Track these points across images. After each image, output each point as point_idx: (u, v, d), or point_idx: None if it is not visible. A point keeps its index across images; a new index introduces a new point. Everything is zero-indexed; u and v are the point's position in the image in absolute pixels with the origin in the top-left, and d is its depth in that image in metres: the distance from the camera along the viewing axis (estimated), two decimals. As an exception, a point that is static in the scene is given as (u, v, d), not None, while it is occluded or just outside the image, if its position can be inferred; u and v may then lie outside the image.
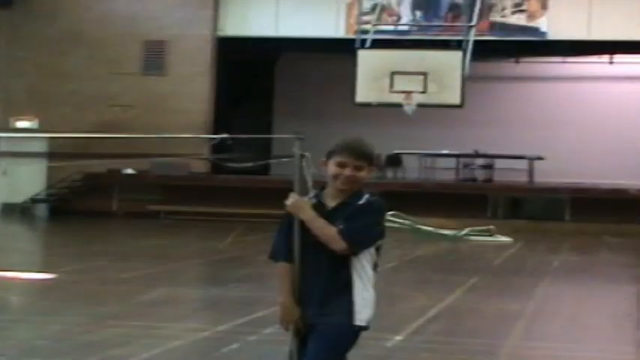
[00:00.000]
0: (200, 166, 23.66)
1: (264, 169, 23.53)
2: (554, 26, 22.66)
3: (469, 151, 24.21)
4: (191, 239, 19.76)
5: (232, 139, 15.09)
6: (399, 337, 8.10)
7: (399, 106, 19.64)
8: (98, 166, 22.78)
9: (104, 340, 8.12)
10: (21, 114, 24.34)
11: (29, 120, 24.35)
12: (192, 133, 21.94)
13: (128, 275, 12.56)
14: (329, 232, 4.03)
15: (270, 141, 24.33)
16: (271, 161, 21.43)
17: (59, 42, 24.49)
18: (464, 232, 18.68)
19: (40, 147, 24.15)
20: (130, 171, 24.13)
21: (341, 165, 4.06)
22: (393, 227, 15.88)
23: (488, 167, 24.62)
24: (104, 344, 7.95)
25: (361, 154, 4.16)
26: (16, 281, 12.06)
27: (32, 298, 11.26)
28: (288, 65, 26.84)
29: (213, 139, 19.80)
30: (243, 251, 16.62)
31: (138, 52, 24.41)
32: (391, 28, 23.38)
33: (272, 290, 4.98)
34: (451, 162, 24.54)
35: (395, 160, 24.43)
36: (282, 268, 4.15)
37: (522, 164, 23.11)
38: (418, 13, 23.43)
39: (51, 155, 23.69)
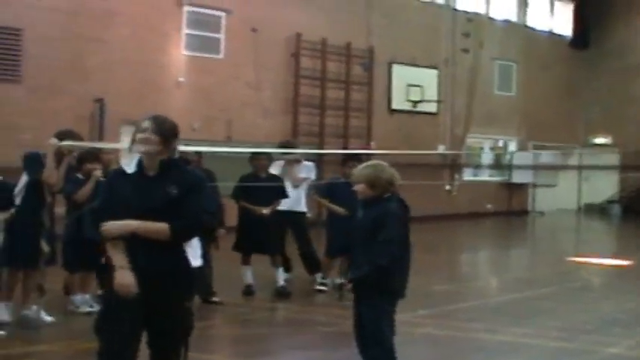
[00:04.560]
0: None
1: None
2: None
3: None
4: None
5: None
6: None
7: None
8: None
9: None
10: (598, 132, 26.90)
11: (604, 137, 26.82)
12: None
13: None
14: None
15: None
16: None
17: (626, 73, 26.38)
18: None
19: (614, 160, 26.34)
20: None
21: None
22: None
23: None
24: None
25: None
26: (599, 266, 12.85)
27: (612, 279, 11.82)
28: None
29: None
30: None
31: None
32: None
33: None
34: None
35: None
36: None
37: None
38: None
39: (622, 166, 25.91)
